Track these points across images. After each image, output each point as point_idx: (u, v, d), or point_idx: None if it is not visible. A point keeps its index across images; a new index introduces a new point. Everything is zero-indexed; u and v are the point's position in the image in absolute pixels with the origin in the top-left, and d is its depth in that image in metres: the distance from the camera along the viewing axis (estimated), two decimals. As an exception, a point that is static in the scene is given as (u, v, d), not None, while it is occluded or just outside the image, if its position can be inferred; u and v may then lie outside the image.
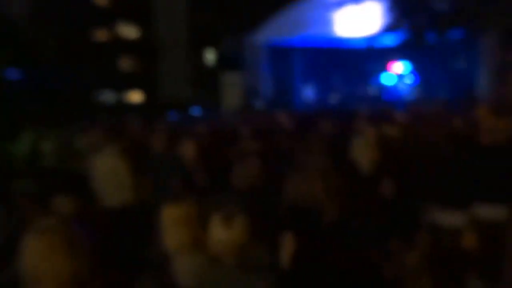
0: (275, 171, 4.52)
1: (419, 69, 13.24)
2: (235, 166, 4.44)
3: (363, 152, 4.27)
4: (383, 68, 13.69)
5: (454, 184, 4.62)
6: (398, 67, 13.49)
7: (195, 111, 15.46)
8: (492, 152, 4.51)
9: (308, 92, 14.49)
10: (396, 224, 5.02)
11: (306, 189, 3.55)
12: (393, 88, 13.68)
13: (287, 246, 2.90)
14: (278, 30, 13.05)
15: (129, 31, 26.86)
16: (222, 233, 2.32)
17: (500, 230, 4.39)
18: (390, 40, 7.40)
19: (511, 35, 9.17)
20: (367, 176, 4.18)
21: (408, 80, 13.50)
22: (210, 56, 25.52)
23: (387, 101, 12.59)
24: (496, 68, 10.82)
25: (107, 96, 26.04)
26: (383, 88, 13.91)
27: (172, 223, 2.46)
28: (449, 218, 4.61)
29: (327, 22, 11.51)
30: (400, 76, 13.60)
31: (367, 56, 13.16)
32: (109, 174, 4.91)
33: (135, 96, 26.47)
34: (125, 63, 26.92)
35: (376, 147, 4.30)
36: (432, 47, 9.40)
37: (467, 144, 4.92)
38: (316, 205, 3.41)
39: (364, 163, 4.24)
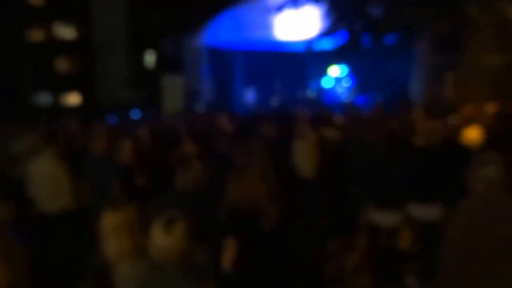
0: (216, 174, 4.52)
1: (356, 72, 13.64)
2: (178, 169, 4.41)
3: (304, 155, 4.33)
4: (322, 71, 13.99)
5: (390, 185, 4.79)
6: (336, 71, 13.84)
7: (135, 113, 15.19)
8: (426, 154, 4.70)
9: (249, 95, 14.57)
10: (336, 225, 5.13)
11: (247, 192, 3.58)
12: (332, 91, 14.00)
13: (229, 250, 2.91)
14: (219, 33, 13.05)
15: (66, 31, 26.09)
16: (163, 239, 2.30)
17: (434, 229, 4.58)
18: (328, 44, 7.58)
19: (443, 39, 9.60)
20: (308, 178, 4.25)
21: (346, 83, 13.87)
22: (150, 58, 25.17)
23: (326, 103, 12.84)
24: (429, 71, 11.29)
25: (43, 98, 25.19)
26: (322, 90, 14.20)
27: (112, 229, 2.41)
28: (386, 218, 4.77)
29: (268, 26, 11.63)
30: (338, 79, 13.95)
31: (306, 60, 13.40)
32: (46, 179, 4.75)
33: (73, 98, 25.73)
34: (62, 64, 26.12)
35: (317, 151, 4.37)
36: (368, 51, 9.70)
37: (403, 146, 5.10)
38: (257, 207, 3.44)
39: (305, 166, 4.30)
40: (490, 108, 6.88)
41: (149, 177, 5.46)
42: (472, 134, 5.89)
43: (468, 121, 6.29)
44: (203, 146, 5.45)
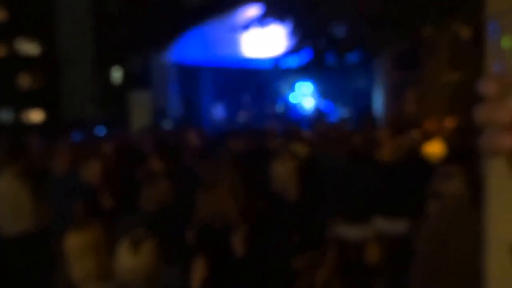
0: (184, 191, 4.51)
1: (322, 88, 13.92)
2: (144, 187, 4.39)
3: (285, 178, 4.33)
4: (289, 88, 14.20)
5: (357, 199, 4.87)
6: (302, 87, 14.08)
7: (101, 130, 15.00)
8: (391, 168, 4.81)
9: (218, 111, 14.61)
10: (306, 239, 5.18)
11: (217, 207, 3.58)
12: (298, 107, 14.22)
13: (198, 270, 2.91)
14: (186, 50, 13.08)
15: (29, 47, 25.67)
16: (129, 260, 2.28)
17: (401, 243, 4.68)
18: (294, 62, 7.72)
19: (402, 58, 9.96)
20: (291, 199, 4.27)
21: (312, 99, 14.13)
22: (117, 74, 24.96)
23: (293, 119, 13.00)
24: (391, 88, 11.63)
25: (5, 115, 24.63)
26: (289, 106, 14.40)
27: (77, 251, 2.38)
28: (353, 232, 4.84)
29: (235, 43, 11.74)
30: (304, 95, 14.20)
31: (273, 76, 13.58)
32: (7, 200, 4.59)
33: (36, 115, 25.23)
34: (25, 80, 25.65)
35: (297, 173, 4.39)
36: (332, 68, 9.94)
37: (368, 161, 5.21)
38: (228, 223, 3.44)
39: (287, 188, 4.29)
40: (449, 122, 7.10)
41: (115, 196, 5.38)
42: (434, 148, 6.06)
43: (429, 135, 6.47)
44: (170, 163, 5.43)
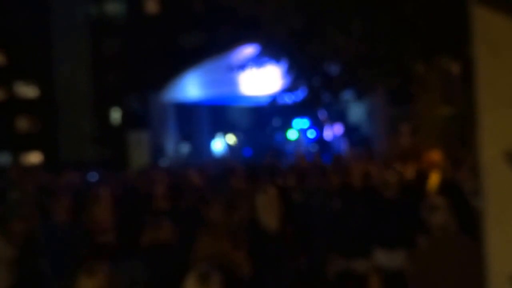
0: (187, 232, 4.57)
1: (318, 124, 14.14)
2: (148, 227, 4.44)
3: (266, 208, 4.37)
4: (287, 124, 14.42)
5: (356, 233, 4.95)
6: (300, 123, 14.31)
7: (99, 171, 15.05)
8: (390, 202, 4.91)
9: (216, 148, 14.74)
10: (305, 274, 5.22)
11: (219, 246, 3.64)
12: (297, 142, 14.39)
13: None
14: (184, 89, 13.27)
15: (27, 90, 25.97)
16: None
17: (399, 274, 4.74)
18: (291, 99, 7.91)
19: (395, 93, 10.21)
20: (272, 231, 4.33)
21: (310, 135, 14.33)
22: (115, 115, 25.19)
23: (291, 154, 13.15)
24: (385, 122, 11.85)
25: (3, 158, 24.70)
26: (287, 142, 14.58)
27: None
28: (354, 266, 4.91)
29: (232, 82, 11.96)
30: (302, 131, 14.40)
31: (271, 113, 13.80)
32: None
33: (34, 157, 25.30)
34: (23, 123, 25.85)
35: (278, 203, 4.42)
36: (328, 105, 10.16)
37: (366, 194, 5.30)
38: (231, 262, 3.50)
39: (268, 219, 4.34)
40: (443, 154, 7.26)
41: (120, 236, 5.39)
42: (430, 180, 6.18)
43: (425, 168, 6.60)
44: (175, 202, 5.48)
